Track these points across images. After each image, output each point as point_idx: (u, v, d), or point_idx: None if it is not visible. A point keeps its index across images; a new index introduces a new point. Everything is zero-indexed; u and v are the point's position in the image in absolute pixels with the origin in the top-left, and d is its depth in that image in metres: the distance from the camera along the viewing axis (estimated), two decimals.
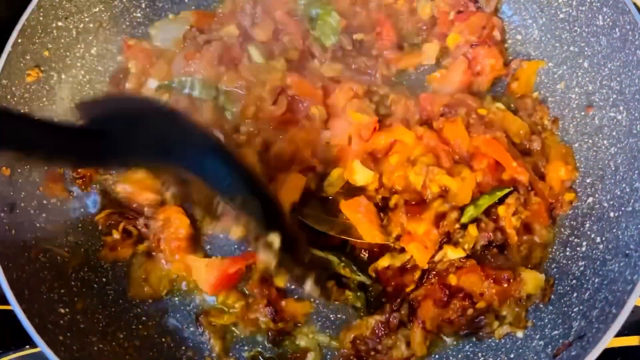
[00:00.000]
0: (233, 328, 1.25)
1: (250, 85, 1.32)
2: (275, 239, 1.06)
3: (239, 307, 1.25)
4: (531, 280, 1.18)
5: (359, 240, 1.23)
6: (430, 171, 1.20)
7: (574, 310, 1.11)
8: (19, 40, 1.25)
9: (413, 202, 1.21)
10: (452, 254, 1.17)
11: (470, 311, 1.18)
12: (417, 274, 1.20)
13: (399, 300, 1.20)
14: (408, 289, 1.20)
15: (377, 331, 1.19)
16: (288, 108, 1.30)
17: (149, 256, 1.29)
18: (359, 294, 1.23)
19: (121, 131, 0.89)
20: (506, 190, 1.20)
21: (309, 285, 1.18)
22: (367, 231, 1.21)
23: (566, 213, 1.25)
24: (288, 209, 1.21)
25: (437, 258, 1.18)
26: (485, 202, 1.20)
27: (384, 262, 1.22)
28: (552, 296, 1.17)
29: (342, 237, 1.24)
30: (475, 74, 1.37)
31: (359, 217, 1.21)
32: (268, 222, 1.06)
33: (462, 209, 1.20)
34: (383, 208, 1.24)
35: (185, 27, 1.41)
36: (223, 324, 1.25)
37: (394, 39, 1.43)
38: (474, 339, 1.19)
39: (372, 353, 1.19)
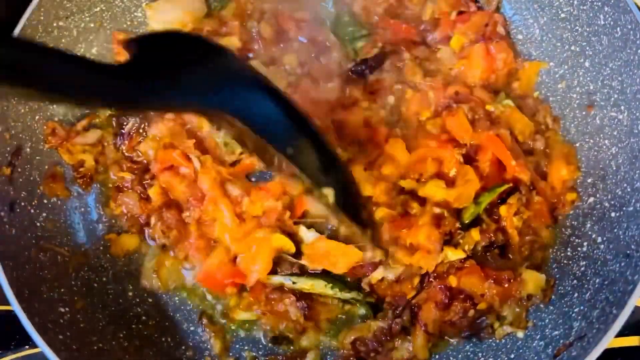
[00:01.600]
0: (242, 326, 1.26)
1: None
2: (329, 192, 0.99)
3: (263, 304, 1.24)
4: (532, 281, 1.18)
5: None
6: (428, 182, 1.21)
7: (575, 310, 1.11)
8: None
9: (398, 216, 1.20)
10: (452, 255, 1.17)
11: (471, 312, 1.18)
12: (415, 280, 1.19)
13: (401, 307, 1.20)
14: (409, 296, 1.20)
15: (379, 336, 1.19)
16: None
17: (163, 249, 1.29)
18: (361, 302, 1.23)
19: (164, 70, 0.80)
20: (506, 186, 1.20)
21: (369, 249, 1.16)
22: (344, 263, 1.20)
23: (568, 213, 1.25)
24: None
25: (437, 260, 1.18)
26: (485, 199, 1.19)
27: (377, 275, 1.21)
28: (553, 296, 1.17)
29: None
30: (494, 69, 1.36)
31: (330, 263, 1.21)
32: (324, 173, 0.98)
33: (458, 210, 1.20)
34: None
35: (186, 9, 1.40)
36: (242, 320, 1.25)
37: (415, 36, 1.42)
38: (475, 340, 1.19)
39: (372, 354, 1.19)
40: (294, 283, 1.21)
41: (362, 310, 1.22)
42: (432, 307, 1.18)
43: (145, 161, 1.32)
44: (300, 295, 1.22)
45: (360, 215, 1.09)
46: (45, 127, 1.30)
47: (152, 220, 1.29)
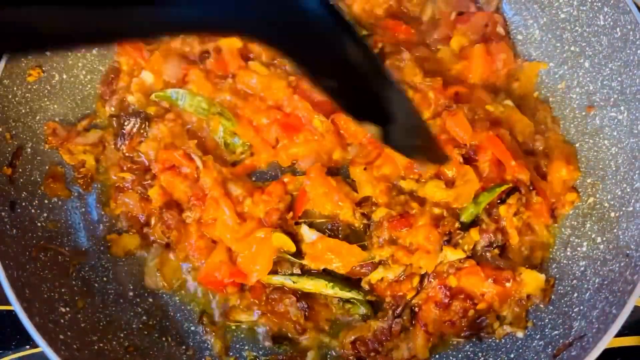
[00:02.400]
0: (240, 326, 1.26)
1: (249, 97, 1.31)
2: (374, 129, 0.85)
3: (263, 304, 1.23)
4: (531, 281, 1.18)
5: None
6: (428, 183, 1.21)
7: (574, 310, 1.11)
8: None
9: (398, 215, 1.20)
10: (452, 255, 1.17)
11: (471, 312, 1.18)
12: (415, 281, 1.19)
13: (400, 307, 1.20)
14: (409, 296, 1.20)
15: (379, 336, 1.19)
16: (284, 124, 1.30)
17: (166, 247, 1.29)
18: (361, 302, 1.23)
19: None
20: (505, 186, 1.20)
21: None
22: (346, 262, 1.20)
23: (567, 213, 1.25)
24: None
25: (437, 260, 1.18)
26: (485, 199, 1.20)
27: (376, 275, 1.21)
28: (553, 296, 1.17)
29: None
30: (494, 70, 1.37)
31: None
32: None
33: (457, 210, 1.20)
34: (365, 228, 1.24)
35: None
36: (241, 321, 1.25)
37: (415, 37, 1.42)
38: (475, 339, 1.19)
39: (372, 354, 1.19)
40: (294, 282, 1.21)
41: (362, 310, 1.23)
42: (432, 307, 1.18)
43: (146, 162, 1.32)
44: (301, 296, 1.22)
45: (430, 152, 1.04)
46: (45, 127, 1.30)
47: (152, 220, 1.29)
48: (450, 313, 1.18)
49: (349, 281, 1.23)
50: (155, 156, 1.30)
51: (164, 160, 1.28)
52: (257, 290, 1.23)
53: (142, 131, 1.33)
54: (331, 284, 1.21)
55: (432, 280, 1.18)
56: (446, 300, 1.18)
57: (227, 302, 1.26)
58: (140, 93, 1.35)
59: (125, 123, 1.33)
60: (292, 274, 1.22)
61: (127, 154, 1.33)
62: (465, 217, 1.19)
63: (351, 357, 1.19)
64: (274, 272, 1.22)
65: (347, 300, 1.23)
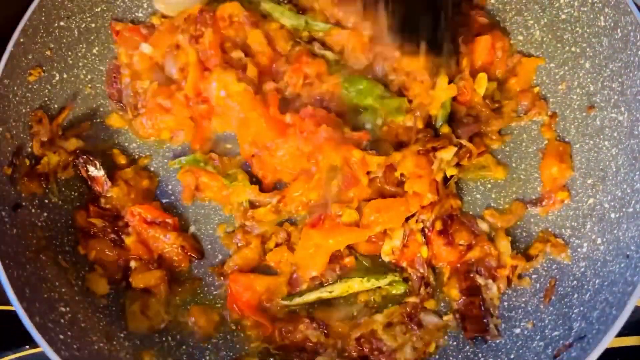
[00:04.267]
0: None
1: None
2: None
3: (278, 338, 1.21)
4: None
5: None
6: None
7: (575, 311, 1.11)
8: (21, 40, 1.25)
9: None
10: (446, 154, 1.22)
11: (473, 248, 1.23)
12: (419, 236, 1.22)
13: (422, 271, 1.23)
14: (423, 253, 1.23)
15: (412, 313, 1.20)
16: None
17: (144, 291, 1.25)
18: (399, 282, 1.24)
19: None
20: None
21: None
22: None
23: (567, 214, 1.25)
24: None
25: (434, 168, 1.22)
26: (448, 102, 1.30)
27: (387, 246, 1.23)
28: (553, 297, 1.17)
29: None
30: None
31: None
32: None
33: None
34: None
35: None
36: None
37: None
38: (475, 341, 1.19)
39: (376, 353, 1.19)
40: (330, 292, 1.22)
41: (401, 289, 1.23)
42: (441, 245, 1.22)
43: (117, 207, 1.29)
44: (312, 314, 1.22)
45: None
46: (32, 114, 1.27)
47: (132, 264, 1.26)
48: (455, 244, 1.23)
49: (379, 268, 1.25)
50: (125, 210, 1.28)
51: (138, 213, 1.26)
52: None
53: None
54: (365, 278, 1.22)
55: (428, 224, 1.22)
56: (448, 224, 1.23)
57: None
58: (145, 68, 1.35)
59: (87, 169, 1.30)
60: (323, 285, 1.24)
61: (96, 190, 1.30)
62: (440, 119, 1.29)
63: (354, 354, 1.19)
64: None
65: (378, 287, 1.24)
